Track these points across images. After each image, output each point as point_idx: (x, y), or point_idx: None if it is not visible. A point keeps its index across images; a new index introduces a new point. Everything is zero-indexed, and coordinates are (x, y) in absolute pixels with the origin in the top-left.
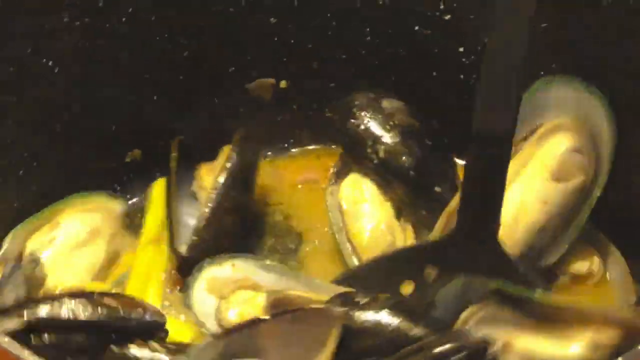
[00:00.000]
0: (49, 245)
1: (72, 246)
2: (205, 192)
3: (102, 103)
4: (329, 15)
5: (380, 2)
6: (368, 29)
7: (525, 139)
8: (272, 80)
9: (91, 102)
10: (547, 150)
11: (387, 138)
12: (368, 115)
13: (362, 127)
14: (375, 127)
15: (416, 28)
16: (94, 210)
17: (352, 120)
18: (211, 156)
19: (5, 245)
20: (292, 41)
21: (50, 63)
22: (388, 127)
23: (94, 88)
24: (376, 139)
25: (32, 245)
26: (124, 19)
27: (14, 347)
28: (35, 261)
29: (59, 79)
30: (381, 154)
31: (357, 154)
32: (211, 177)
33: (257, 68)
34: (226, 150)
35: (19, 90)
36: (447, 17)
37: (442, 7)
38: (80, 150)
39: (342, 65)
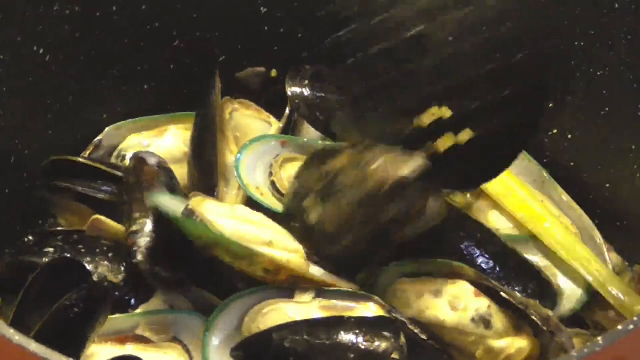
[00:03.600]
0: (142, 149)
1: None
2: None
3: (93, 90)
4: (318, 4)
5: None
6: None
7: None
8: (262, 69)
9: (83, 89)
10: None
11: None
12: None
13: None
14: None
15: None
16: None
17: None
18: None
19: (103, 135)
20: (282, 30)
21: (41, 51)
22: None
23: (85, 76)
24: None
25: (127, 144)
26: (114, 8)
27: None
28: (122, 158)
29: (50, 67)
30: None
31: None
32: None
33: (247, 57)
34: None
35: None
36: None
37: None
38: None
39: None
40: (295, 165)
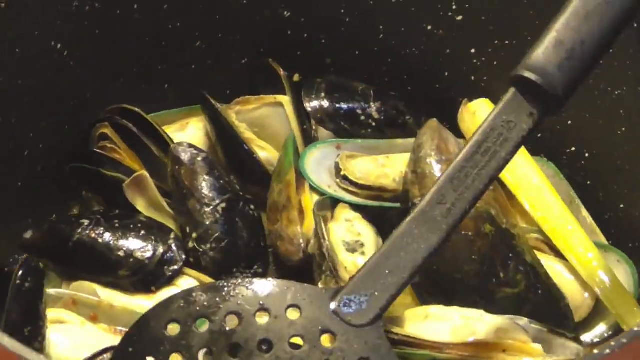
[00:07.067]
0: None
1: None
2: None
3: (111, 88)
4: (342, 11)
5: (394, 0)
6: (381, 27)
7: None
8: (284, 73)
9: (100, 86)
10: None
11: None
12: None
13: None
14: None
15: (429, 28)
16: None
17: None
18: None
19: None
20: (306, 35)
21: (59, 46)
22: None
23: (103, 74)
24: None
25: None
26: (135, 6)
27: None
28: None
29: (67, 62)
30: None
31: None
32: None
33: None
34: None
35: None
36: (459, 18)
37: (454, 7)
38: None
39: (354, 61)
40: (359, 160)
